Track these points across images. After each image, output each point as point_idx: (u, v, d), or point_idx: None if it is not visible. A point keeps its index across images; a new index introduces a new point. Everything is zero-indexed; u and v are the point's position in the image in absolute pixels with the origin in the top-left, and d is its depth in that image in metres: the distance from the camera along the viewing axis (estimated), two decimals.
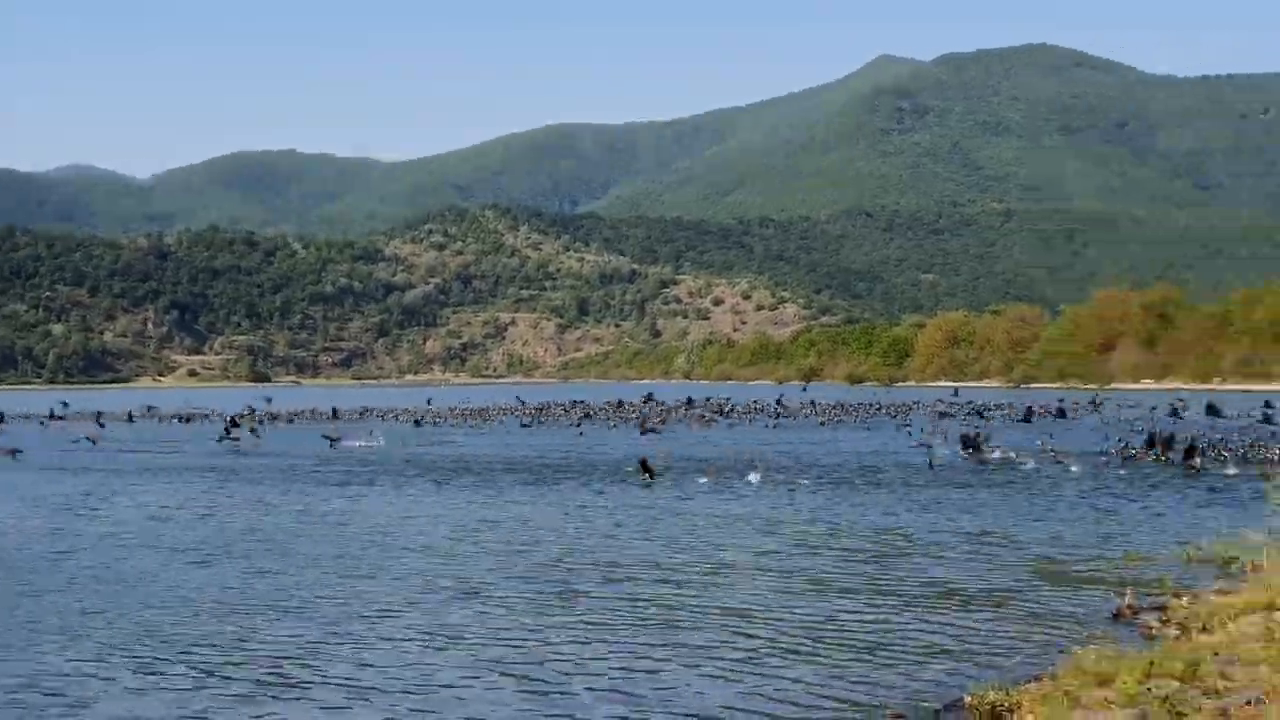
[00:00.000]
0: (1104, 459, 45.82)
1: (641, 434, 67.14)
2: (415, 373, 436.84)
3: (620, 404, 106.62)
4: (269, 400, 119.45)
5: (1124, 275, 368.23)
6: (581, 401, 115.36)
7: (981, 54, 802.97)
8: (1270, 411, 70.40)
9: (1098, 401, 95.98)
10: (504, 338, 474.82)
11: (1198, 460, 41.52)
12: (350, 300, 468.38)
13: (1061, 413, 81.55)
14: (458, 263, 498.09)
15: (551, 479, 41.52)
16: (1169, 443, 45.88)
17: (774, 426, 77.81)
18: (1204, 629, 14.63)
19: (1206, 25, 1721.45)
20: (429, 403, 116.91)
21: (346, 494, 37.87)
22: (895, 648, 15.14)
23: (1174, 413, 72.48)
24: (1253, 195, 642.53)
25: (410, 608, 19.11)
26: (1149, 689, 11.47)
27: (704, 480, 39.61)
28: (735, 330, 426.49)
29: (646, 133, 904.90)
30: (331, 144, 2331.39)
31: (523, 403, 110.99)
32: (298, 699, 14.16)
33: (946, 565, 22.09)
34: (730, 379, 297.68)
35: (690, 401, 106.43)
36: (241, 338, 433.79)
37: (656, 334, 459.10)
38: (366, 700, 14.05)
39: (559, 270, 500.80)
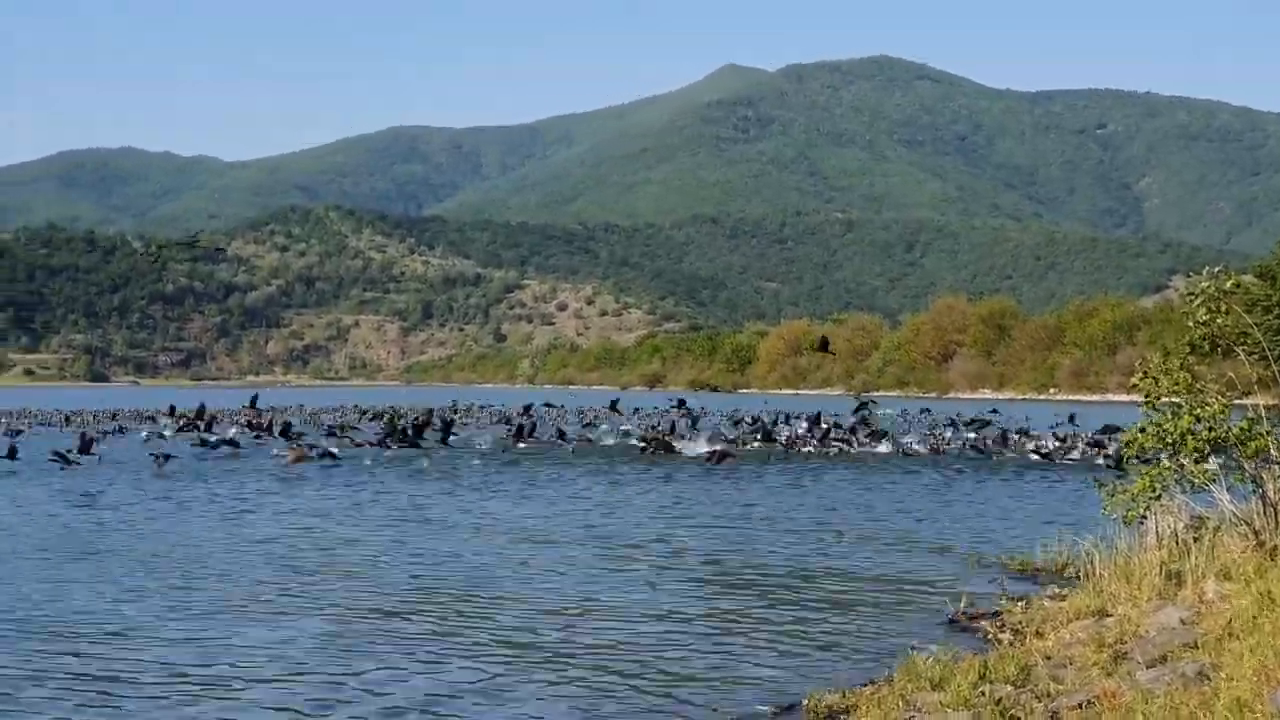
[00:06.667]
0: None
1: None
2: (256, 374, 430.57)
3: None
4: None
5: (961, 286, 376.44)
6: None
7: (824, 65, 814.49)
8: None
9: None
10: (347, 340, 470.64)
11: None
12: (190, 300, 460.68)
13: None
14: (301, 264, 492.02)
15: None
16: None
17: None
18: (1037, 634, 14.80)
19: (1043, 42, 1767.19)
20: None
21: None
22: (728, 652, 15.07)
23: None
24: (1088, 209, 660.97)
25: None
26: (982, 692, 11.56)
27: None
28: (579, 335, 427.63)
29: (491, 137, 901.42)
30: (172, 143, 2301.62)
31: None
32: None
33: (781, 565, 22.02)
34: (573, 384, 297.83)
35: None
36: (79, 337, 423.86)
37: (501, 338, 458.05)
38: None
39: (403, 273, 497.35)
